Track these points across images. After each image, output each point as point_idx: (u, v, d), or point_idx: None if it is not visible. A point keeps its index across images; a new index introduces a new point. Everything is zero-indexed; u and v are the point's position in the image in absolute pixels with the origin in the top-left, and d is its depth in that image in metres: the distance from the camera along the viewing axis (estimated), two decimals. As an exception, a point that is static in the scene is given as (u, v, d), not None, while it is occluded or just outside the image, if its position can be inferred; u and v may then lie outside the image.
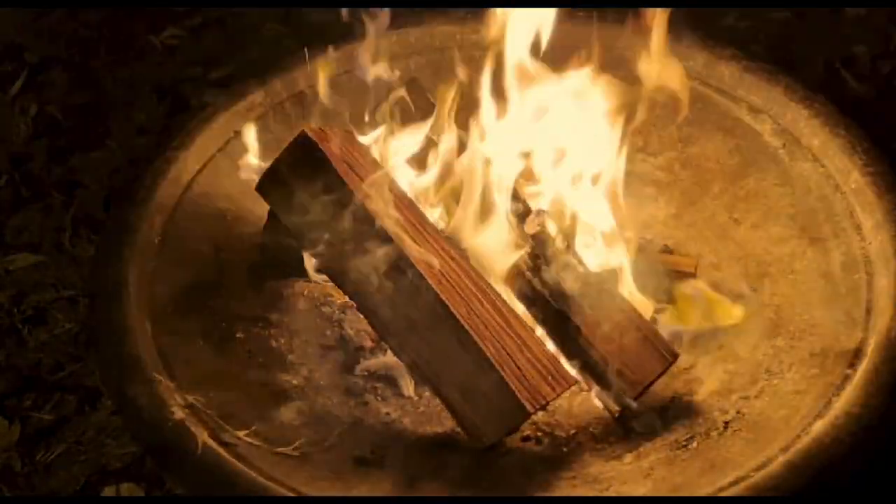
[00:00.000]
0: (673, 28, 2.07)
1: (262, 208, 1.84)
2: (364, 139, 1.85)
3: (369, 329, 1.80)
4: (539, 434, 1.68)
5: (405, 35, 2.14)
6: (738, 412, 1.62)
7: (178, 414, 1.52)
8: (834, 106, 1.93)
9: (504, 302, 1.68)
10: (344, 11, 1.86)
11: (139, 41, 2.84)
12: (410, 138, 1.83)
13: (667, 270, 1.88)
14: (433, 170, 1.83)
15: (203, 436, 1.50)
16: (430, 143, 1.84)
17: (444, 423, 1.70)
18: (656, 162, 2.07)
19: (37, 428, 1.97)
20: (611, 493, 1.53)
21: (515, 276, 1.72)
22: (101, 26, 2.90)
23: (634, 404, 1.67)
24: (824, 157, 1.88)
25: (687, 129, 2.05)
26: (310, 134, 1.73)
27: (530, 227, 1.75)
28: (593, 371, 1.68)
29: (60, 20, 2.91)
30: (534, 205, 1.79)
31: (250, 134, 1.89)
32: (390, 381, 1.77)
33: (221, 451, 1.49)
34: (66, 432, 1.96)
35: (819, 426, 1.48)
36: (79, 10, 2.91)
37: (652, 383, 1.69)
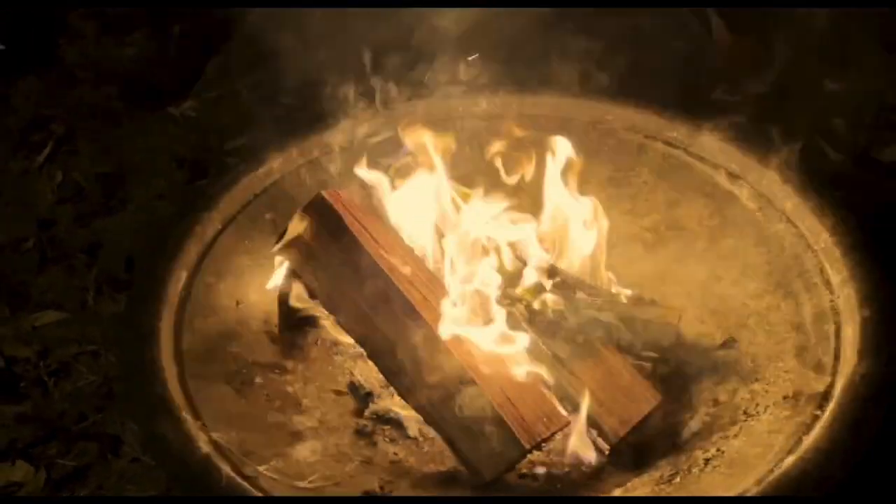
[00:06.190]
0: (660, 100, 2.20)
1: (279, 263, 1.94)
2: (376, 200, 1.97)
3: (378, 375, 1.88)
4: (535, 471, 1.76)
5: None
6: (717, 450, 1.70)
7: (204, 449, 1.61)
8: (806, 173, 2.01)
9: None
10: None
11: (159, 113, 2.94)
12: (418, 198, 1.95)
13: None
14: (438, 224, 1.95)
15: (226, 469, 1.59)
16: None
17: (447, 462, 1.79)
18: (643, 223, 2.16)
19: (61, 474, 2.02)
20: (601, 523, 1.63)
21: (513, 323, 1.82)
22: (124, 99, 2.99)
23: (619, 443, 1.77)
24: (797, 219, 1.97)
25: (672, 194, 2.16)
26: (325, 196, 1.86)
27: (527, 279, 1.88)
28: (584, 412, 1.76)
29: (86, 93, 3.01)
30: (527, 258, 1.91)
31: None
32: (397, 423, 1.85)
33: (243, 483, 1.58)
34: (89, 478, 2.01)
35: (790, 461, 1.56)
36: (102, 84, 3.01)
37: (638, 424, 1.79)
